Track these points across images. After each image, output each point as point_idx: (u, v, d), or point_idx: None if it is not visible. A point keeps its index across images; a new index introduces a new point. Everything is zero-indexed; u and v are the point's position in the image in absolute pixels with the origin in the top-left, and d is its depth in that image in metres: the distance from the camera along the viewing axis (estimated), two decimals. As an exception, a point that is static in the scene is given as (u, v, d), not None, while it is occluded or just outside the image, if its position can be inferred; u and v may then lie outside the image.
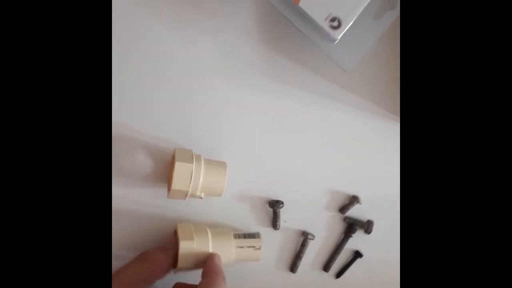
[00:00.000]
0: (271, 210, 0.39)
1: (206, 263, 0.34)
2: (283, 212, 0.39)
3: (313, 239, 0.40)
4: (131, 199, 0.38)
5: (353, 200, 0.40)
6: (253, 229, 0.39)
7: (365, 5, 0.36)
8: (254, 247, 0.37)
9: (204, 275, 0.33)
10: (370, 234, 0.40)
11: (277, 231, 0.39)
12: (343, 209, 0.40)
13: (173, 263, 0.36)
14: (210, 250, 0.35)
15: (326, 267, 0.40)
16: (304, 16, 0.36)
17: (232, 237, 0.36)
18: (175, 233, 0.37)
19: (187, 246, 0.34)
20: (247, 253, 0.37)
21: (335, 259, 0.40)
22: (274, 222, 0.39)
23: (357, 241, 0.40)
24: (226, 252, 0.36)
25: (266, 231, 0.39)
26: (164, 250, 0.35)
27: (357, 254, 0.40)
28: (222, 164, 0.37)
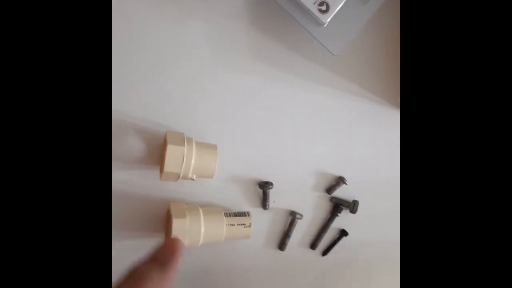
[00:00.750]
0: (261, 191, 0.40)
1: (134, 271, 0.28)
2: (272, 193, 0.40)
3: (301, 219, 0.41)
4: (124, 182, 0.38)
5: (339, 181, 0.41)
6: (244, 209, 0.40)
7: (353, -10, 0.37)
8: (244, 224, 0.38)
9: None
10: (355, 214, 0.41)
11: (267, 211, 0.40)
12: (329, 189, 0.41)
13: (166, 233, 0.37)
14: (202, 228, 0.36)
15: (313, 245, 0.41)
16: (293, 0, 0.37)
17: (223, 215, 0.37)
18: (168, 214, 0.37)
19: (180, 224, 0.35)
20: (238, 231, 0.37)
21: (322, 238, 0.41)
22: (264, 202, 0.40)
23: (343, 220, 0.41)
24: (218, 229, 0.36)
25: (256, 211, 0.40)
26: (159, 264, 0.28)
27: (343, 233, 0.41)
28: (213, 147, 0.37)
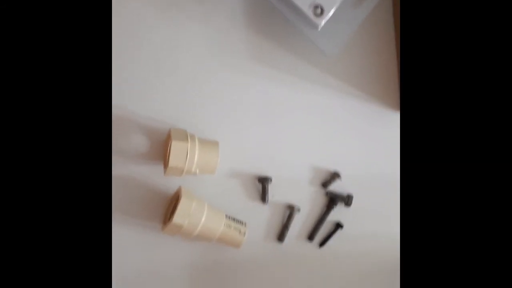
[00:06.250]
0: (260, 185, 0.41)
1: None
2: (271, 187, 0.41)
3: (298, 212, 0.42)
4: (128, 178, 0.39)
5: (334, 176, 0.42)
6: (244, 203, 0.41)
7: (347, -7, 0.38)
8: (239, 230, 0.39)
9: None
10: (349, 207, 0.42)
11: (266, 204, 0.41)
12: (325, 184, 0.42)
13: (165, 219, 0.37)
14: (204, 217, 0.37)
15: (310, 237, 0.42)
16: (289, 3, 0.38)
17: (225, 215, 0.39)
18: (175, 196, 0.39)
19: (187, 205, 0.36)
20: (232, 234, 0.39)
21: (318, 230, 0.42)
22: (263, 197, 0.41)
23: (339, 213, 0.42)
24: (215, 224, 0.38)
25: (256, 205, 0.41)
26: None
27: (338, 225, 0.42)
28: (215, 143, 0.38)
